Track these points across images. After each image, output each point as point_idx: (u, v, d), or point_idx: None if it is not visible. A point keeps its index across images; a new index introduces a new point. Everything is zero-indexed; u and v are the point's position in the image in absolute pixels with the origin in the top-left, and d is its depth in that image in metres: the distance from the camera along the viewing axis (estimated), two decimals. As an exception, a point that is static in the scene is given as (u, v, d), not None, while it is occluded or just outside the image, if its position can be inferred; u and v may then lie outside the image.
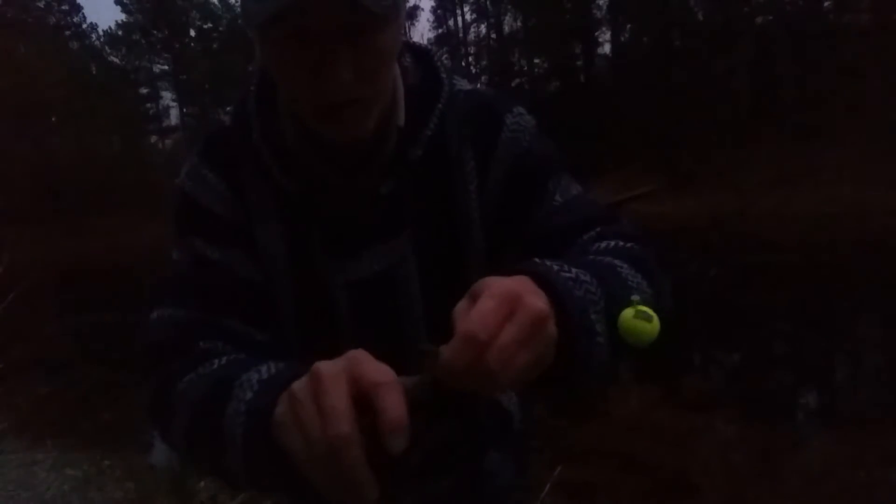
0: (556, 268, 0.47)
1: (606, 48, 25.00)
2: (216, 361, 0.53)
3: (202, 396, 0.50)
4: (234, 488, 0.55)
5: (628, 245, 0.58)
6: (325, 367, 0.37)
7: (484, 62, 31.22)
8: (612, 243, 0.58)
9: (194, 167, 0.64)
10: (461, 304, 0.41)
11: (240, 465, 0.47)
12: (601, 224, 0.62)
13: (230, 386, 0.48)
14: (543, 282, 0.44)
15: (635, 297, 0.47)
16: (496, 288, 0.39)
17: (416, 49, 0.68)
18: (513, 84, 27.57)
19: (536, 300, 0.40)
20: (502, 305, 0.38)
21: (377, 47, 0.52)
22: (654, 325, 0.45)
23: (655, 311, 0.51)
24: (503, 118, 0.65)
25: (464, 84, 0.68)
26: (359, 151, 0.62)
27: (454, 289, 0.63)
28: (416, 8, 31.40)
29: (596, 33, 24.53)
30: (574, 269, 0.47)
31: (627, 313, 0.46)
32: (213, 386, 0.50)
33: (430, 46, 0.69)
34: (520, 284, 0.41)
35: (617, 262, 0.54)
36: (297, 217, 0.62)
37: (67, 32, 31.88)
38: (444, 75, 0.66)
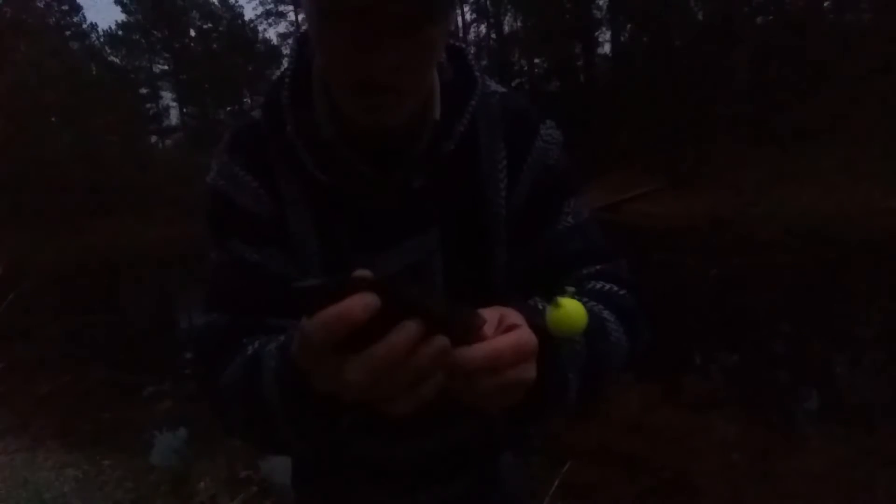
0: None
1: (606, 48, 25.04)
2: (250, 347, 0.56)
3: (241, 381, 0.54)
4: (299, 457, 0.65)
5: (620, 292, 0.61)
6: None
7: (484, 62, 31.21)
8: (607, 287, 0.62)
9: (225, 165, 0.65)
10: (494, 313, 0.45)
11: (287, 427, 0.51)
12: (603, 260, 0.65)
13: (259, 361, 0.52)
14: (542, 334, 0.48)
15: (569, 289, 0.48)
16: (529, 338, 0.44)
17: (450, 46, 0.69)
18: (513, 84, 27.56)
19: (533, 369, 0.44)
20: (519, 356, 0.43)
21: (426, 41, 0.52)
22: (570, 315, 0.46)
23: (624, 366, 0.57)
24: (538, 126, 0.67)
25: (497, 86, 0.68)
26: (391, 145, 0.62)
27: (479, 285, 0.65)
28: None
29: (596, 33, 24.55)
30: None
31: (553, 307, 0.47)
32: (246, 367, 0.54)
33: (464, 45, 0.69)
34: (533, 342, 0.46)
35: (606, 314, 0.57)
36: (328, 210, 0.63)
37: (67, 32, 31.85)
38: (477, 73, 0.66)
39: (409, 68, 0.52)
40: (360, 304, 0.34)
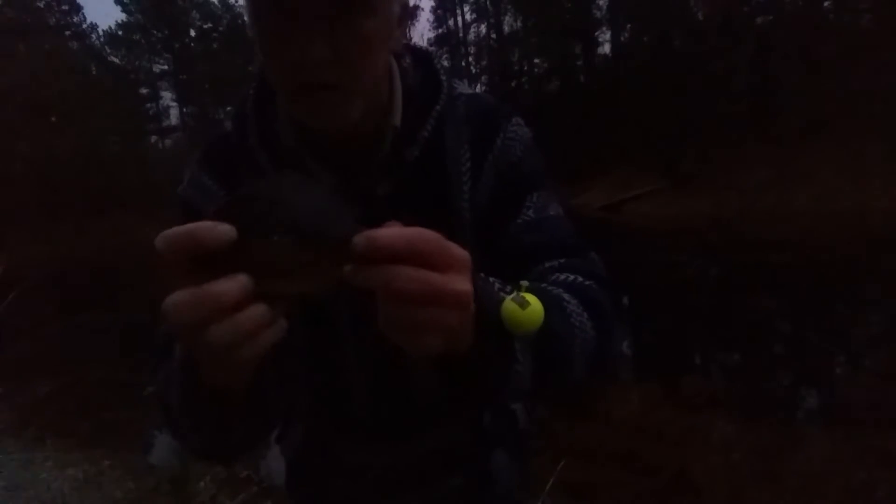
0: (498, 286, 0.48)
1: (606, 48, 25.04)
2: None
3: (164, 378, 0.54)
4: (221, 460, 0.57)
5: (587, 283, 0.58)
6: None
7: (484, 62, 31.21)
8: (571, 278, 0.59)
9: (194, 174, 0.66)
10: None
11: (185, 419, 0.50)
12: (568, 254, 0.62)
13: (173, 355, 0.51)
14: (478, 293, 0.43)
15: (524, 283, 0.47)
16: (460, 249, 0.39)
17: (416, 51, 0.68)
18: (513, 84, 27.57)
19: (467, 283, 0.39)
20: (448, 251, 0.37)
21: (359, 33, 0.51)
22: (528, 313, 0.44)
23: (596, 356, 0.53)
24: (501, 124, 0.66)
25: (465, 88, 0.68)
26: (354, 152, 0.61)
27: None
28: (416, 8, 31.33)
29: (596, 33, 24.54)
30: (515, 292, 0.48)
31: (507, 298, 0.45)
32: (169, 363, 0.53)
33: (429, 49, 0.69)
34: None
35: (566, 296, 0.54)
36: None
37: (67, 32, 31.82)
38: (443, 78, 0.66)
39: (345, 63, 0.51)
40: (210, 230, 0.34)
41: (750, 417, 3.60)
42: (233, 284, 0.34)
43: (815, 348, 5.08)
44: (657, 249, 10.71)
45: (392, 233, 0.35)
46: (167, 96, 35.13)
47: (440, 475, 0.74)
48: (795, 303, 6.44)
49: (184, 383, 0.47)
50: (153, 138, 34.90)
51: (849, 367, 4.69)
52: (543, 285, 0.55)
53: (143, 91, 34.35)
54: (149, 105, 34.68)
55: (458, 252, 0.38)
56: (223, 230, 0.34)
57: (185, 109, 34.95)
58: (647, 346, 5.01)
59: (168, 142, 35.45)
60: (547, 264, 0.62)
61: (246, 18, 0.56)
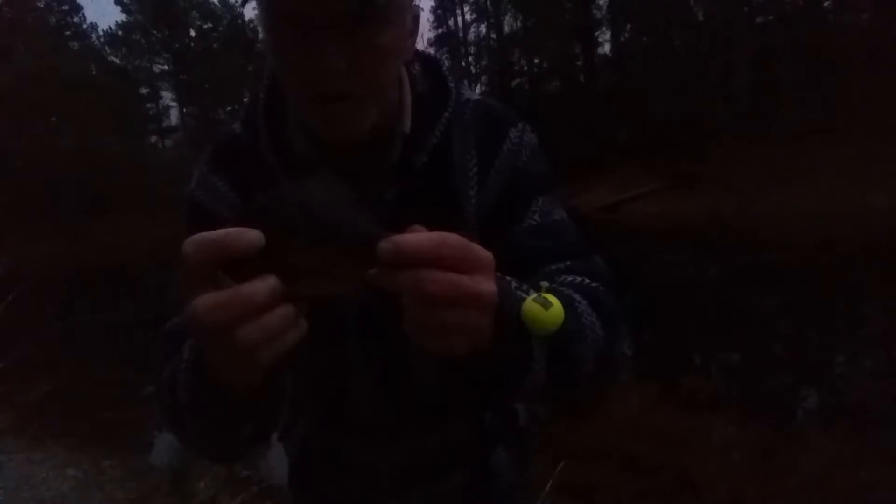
0: (514, 285, 0.49)
1: (606, 48, 25.06)
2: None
3: (168, 377, 0.54)
4: (217, 459, 0.59)
5: (594, 284, 0.59)
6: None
7: (484, 62, 31.22)
8: (579, 279, 0.59)
9: (204, 175, 0.66)
10: None
11: (192, 419, 0.50)
12: (574, 257, 0.63)
13: (181, 355, 0.52)
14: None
15: (544, 283, 0.47)
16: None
17: (425, 57, 0.69)
18: (513, 84, 27.59)
19: (492, 284, 0.40)
20: (475, 254, 0.39)
21: (374, 44, 0.52)
22: (550, 314, 0.45)
23: (605, 357, 0.54)
24: (508, 130, 0.67)
25: (472, 94, 0.69)
26: (364, 157, 0.62)
27: None
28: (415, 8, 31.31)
29: (596, 33, 24.56)
30: (532, 293, 0.49)
31: (529, 298, 0.46)
32: (174, 363, 0.54)
33: (438, 56, 0.70)
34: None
35: (577, 296, 0.55)
36: None
37: (67, 32, 31.86)
38: (451, 84, 0.66)
39: (360, 73, 0.52)
40: (239, 235, 0.34)
41: (750, 417, 3.60)
42: (263, 286, 0.35)
43: (815, 348, 5.08)
44: (657, 249, 10.71)
45: (419, 237, 0.36)
46: (167, 96, 35.21)
47: (441, 473, 0.74)
48: (795, 302, 6.44)
49: (195, 380, 0.48)
50: (153, 138, 34.94)
51: (849, 367, 4.69)
52: (554, 286, 0.55)
53: (143, 91, 34.39)
54: (149, 105, 34.72)
55: (483, 254, 0.39)
56: (253, 236, 0.34)
57: (185, 109, 34.98)
58: (647, 346, 5.01)
59: (168, 142, 35.48)
60: (553, 267, 0.62)
61: (259, 27, 0.56)
